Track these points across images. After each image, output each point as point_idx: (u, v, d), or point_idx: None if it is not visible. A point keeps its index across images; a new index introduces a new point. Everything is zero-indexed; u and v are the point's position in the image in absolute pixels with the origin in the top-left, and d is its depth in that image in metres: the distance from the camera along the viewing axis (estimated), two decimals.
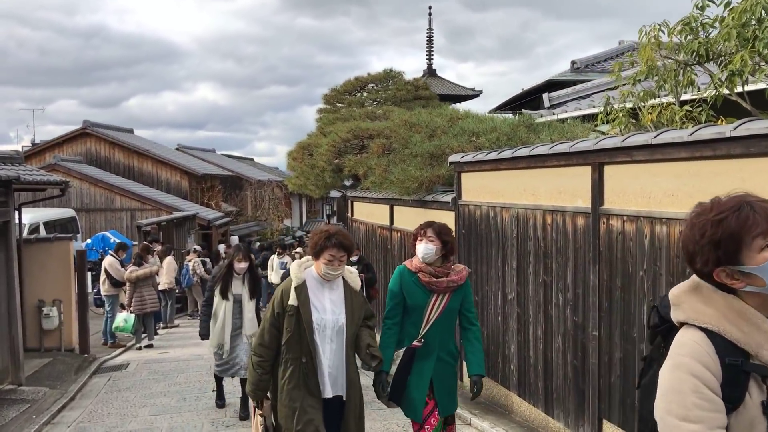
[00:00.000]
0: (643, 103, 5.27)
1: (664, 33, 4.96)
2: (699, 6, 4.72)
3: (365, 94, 21.00)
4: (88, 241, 19.59)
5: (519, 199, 5.97)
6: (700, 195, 3.47)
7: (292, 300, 3.69)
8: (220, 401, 6.88)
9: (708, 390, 1.47)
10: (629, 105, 5.69)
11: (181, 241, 19.72)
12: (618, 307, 4.60)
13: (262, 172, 41.07)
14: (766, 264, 1.48)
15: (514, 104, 15.43)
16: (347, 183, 22.85)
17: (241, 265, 6.16)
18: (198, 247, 16.18)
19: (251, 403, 4.47)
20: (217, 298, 6.21)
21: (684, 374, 1.49)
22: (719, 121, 4.70)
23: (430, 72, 27.07)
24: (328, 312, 3.75)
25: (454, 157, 7.21)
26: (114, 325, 11.06)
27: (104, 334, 11.48)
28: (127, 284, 11.10)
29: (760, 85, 4.89)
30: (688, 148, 3.87)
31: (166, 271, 13.49)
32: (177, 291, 14.38)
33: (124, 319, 11.03)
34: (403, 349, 3.97)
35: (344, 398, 3.81)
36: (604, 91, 9.79)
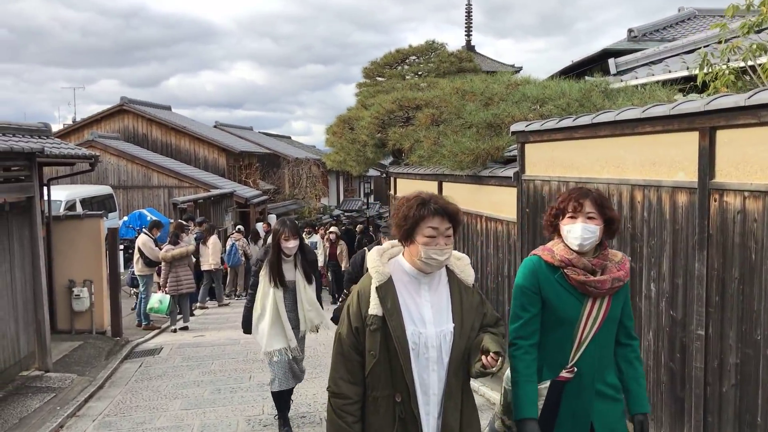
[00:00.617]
0: (756, 59, 4.36)
1: None
2: None
3: (406, 66, 20.14)
4: (125, 218, 19.31)
5: (599, 172, 5.14)
6: None
7: (374, 307, 2.47)
8: (287, 429, 5.38)
9: None
10: (734, 63, 4.78)
11: (218, 220, 19.31)
12: (734, 303, 3.78)
13: (299, 150, 40.60)
14: None
15: (566, 76, 14.42)
16: (385, 162, 22.05)
17: (289, 244, 4.97)
18: (241, 227, 15.70)
19: None
20: (263, 286, 5.05)
21: None
22: None
23: (469, 48, 26.10)
24: (429, 323, 2.50)
25: (517, 126, 6.39)
26: (148, 306, 10.61)
27: (138, 315, 11.04)
28: (162, 264, 10.62)
29: None
30: None
31: (212, 251, 13.11)
32: (223, 270, 13.96)
33: (159, 300, 10.57)
34: (545, 384, 2.70)
35: None
36: (678, 54, 8.80)
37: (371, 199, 51.29)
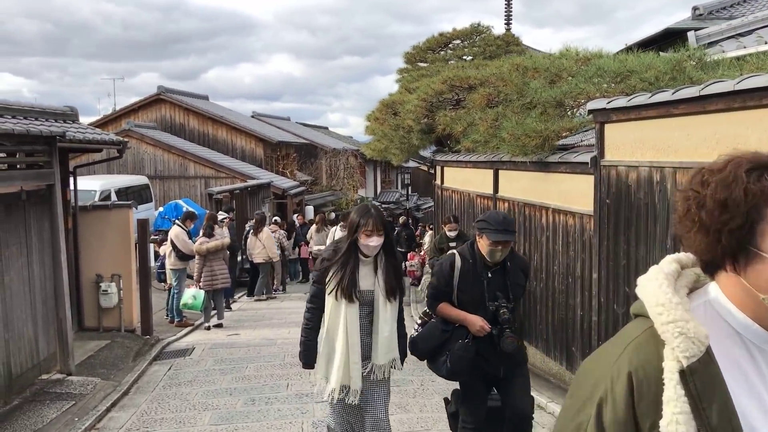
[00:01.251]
0: None
1: None
2: None
3: (449, 51, 19.22)
4: (161, 209, 18.89)
5: (707, 155, 4.23)
6: None
7: (676, 418, 1.02)
8: None
9: None
10: None
11: (255, 211, 18.73)
12: None
13: (336, 141, 39.99)
14: None
15: None
16: (424, 154, 21.08)
17: (371, 242, 3.55)
18: (278, 218, 15.03)
19: None
20: (332, 301, 3.64)
21: None
22: None
23: None
24: None
25: (595, 104, 5.49)
26: (182, 302, 10.01)
27: (170, 311, 10.47)
28: (196, 257, 10.00)
29: None
30: None
31: (266, 243, 12.67)
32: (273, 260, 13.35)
33: (192, 295, 9.95)
34: None
35: None
36: None
37: (409, 191, 50.47)
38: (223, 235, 11.99)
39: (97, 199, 15.47)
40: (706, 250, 1.09)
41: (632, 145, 5.10)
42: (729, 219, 1.04)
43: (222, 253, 10.20)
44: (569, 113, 6.14)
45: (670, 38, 10.98)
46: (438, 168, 11.15)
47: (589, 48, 7.21)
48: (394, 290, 3.68)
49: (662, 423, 1.03)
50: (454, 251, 3.99)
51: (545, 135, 6.01)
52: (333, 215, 21.18)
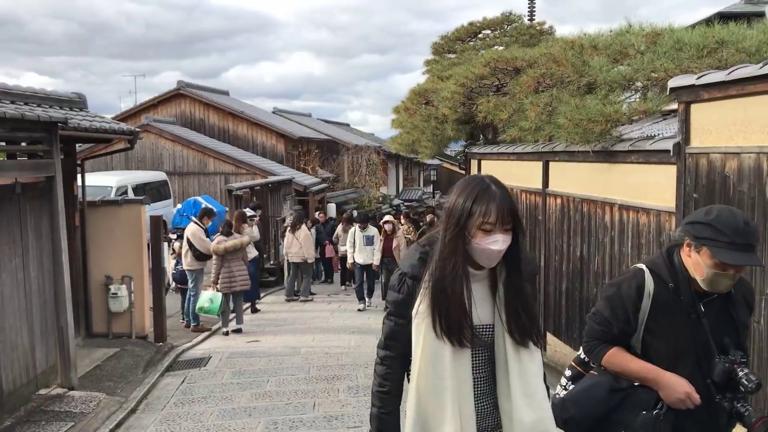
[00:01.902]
0: None
1: None
2: None
3: (479, 41, 18.33)
4: (179, 206, 18.27)
5: None
6: None
7: None
8: None
9: None
10: None
11: (276, 208, 18.02)
12: None
13: (358, 137, 39.29)
14: None
15: None
16: (453, 149, 20.10)
17: (495, 244, 1.98)
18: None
19: None
20: (425, 341, 2.02)
21: None
22: None
23: None
24: None
25: (679, 80, 4.62)
26: (197, 305, 9.30)
27: (186, 314, 9.76)
28: (214, 257, 9.29)
29: None
30: None
31: (303, 243, 12.16)
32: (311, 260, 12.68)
33: (209, 298, 9.24)
34: None
35: None
36: None
37: (429, 189, 49.58)
38: (251, 234, 11.30)
39: (113, 195, 14.88)
40: None
41: (731, 128, 4.23)
42: None
43: (241, 253, 9.47)
44: (645, 93, 5.27)
45: (721, 23, 10.08)
46: (474, 162, 10.29)
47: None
48: (527, 330, 2.06)
49: None
50: (641, 266, 2.48)
51: (613, 119, 5.15)
52: (354, 213, 19.94)
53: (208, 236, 9.74)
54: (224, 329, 9.42)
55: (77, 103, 7.76)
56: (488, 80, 8.09)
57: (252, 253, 11.12)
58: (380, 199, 33.48)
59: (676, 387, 2.27)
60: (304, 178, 22.97)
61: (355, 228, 11.60)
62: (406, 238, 12.32)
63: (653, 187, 5.12)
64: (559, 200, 6.93)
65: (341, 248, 13.84)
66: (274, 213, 16.97)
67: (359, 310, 11.27)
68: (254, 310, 11.44)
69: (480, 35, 18.66)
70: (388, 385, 2.16)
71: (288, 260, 12.61)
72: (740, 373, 2.23)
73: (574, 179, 6.55)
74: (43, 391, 5.93)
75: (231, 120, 25.39)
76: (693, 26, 7.84)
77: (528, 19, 27.16)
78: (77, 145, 8.10)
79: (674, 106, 5.17)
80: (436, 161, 48.14)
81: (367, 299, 11.58)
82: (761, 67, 3.85)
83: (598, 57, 6.05)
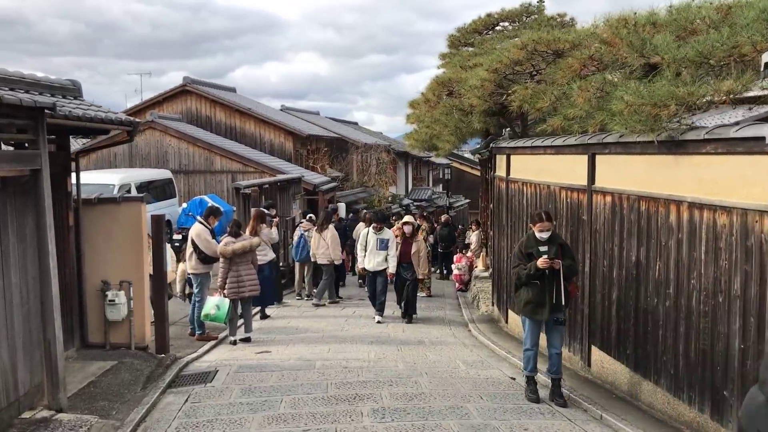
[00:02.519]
0: None
1: None
2: None
3: (497, 34, 17.58)
4: (185, 205, 17.57)
5: None
6: None
7: None
8: None
9: None
10: None
11: (285, 207, 17.28)
12: None
13: (367, 136, 38.58)
14: None
15: None
16: (460, 151, 19.20)
17: None
18: (312, 215, 13.47)
19: None
20: None
21: None
22: None
23: None
24: None
25: None
26: (203, 313, 8.58)
27: (191, 321, 9.03)
28: (221, 260, 8.57)
29: None
30: None
31: (330, 244, 11.62)
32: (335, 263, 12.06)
33: (215, 305, 8.52)
34: None
35: None
36: None
37: (439, 188, 48.76)
38: (269, 235, 10.57)
39: (116, 193, 14.16)
40: None
41: None
42: None
43: (250, 255, 8.74)
44: (718, 74, 4.51)
45: None
46: (500, 158, 9.52)
47: None
48: None
49: None
50: None
51: (688, 102, 4.39)
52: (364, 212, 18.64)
53: (214, 237, 9.02)
54: (231, 338, 8.71)
55: (71, 90, 7.05)
56: (523, 66, 7.33)
57: (268, 255, 10.41)
58: (390, 198, 32.79)
59: None
60: (313, 177, 22.27)
61: (368, 229, 10.46)
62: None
63: (737, 182, 4.35)
64: (608, 198, 6.16)
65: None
66: (283, 212, 16.23)
67: (378, 322, 10.00)
68: (264, 316, 10.72)
69: (498, 27, 17.92)
70: None
71: (315, 262, 12.05)
72: None
73: (628, 174, 5.78)
74: (26, 415, 5.21)
75: (238, 117, 24.70)
76: None
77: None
78: (82, 142, 7.44)
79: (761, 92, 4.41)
80: (445, 161, 47.47)
81: (378, 316, 10.15)
82: None
83: (659, 35, 5.29)
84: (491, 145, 10.14)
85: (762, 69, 3.99)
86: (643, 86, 5.01)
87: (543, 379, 6.16)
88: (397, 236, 10.59)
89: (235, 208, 14.95)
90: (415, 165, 43.91)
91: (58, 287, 5.40)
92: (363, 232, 10.68)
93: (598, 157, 6.34)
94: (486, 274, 13.94)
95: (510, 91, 7.36)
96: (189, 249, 8.93)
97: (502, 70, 7.33)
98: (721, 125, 4.53)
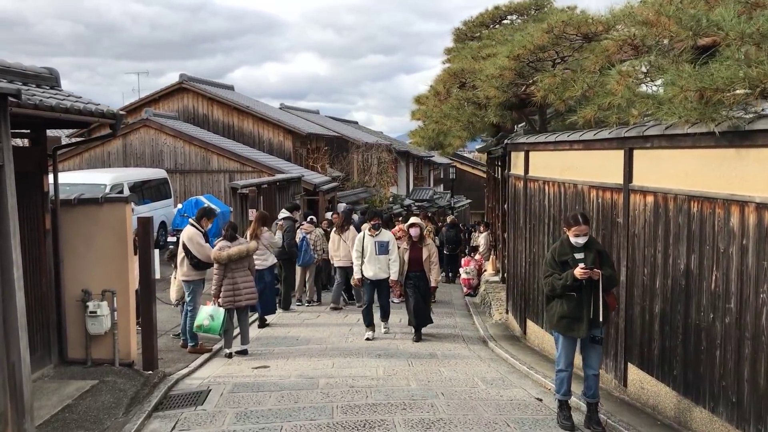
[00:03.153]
0: None
1: None
2: None
3: (505, 29, 16.89)
4: (180, 206, 16.89)
5: None
6: None
7: None
8: None
9: None
10: None
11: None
12: None
13: (368, 135, 37.94)
14: None
15: None
16: (463, 150, 18.44)
17: None
18: (313, 216, 12.74)
19: None
20: None
21: None
22: None
23: None
24: None
25: None
26: (196, 323, 7.88)
27: (183, 332, 8.34)
28: (215, 266, 7.87)
29: None
30: None
31: (352, 244, 10.75)
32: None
33: (209, 315, 7.83)
34: None
35: None
36: None
37: (440, 188, 48.16)
38: (270, 240, 9.84)
39: (108, 194, 13.46)
40: None
41: None
42: None
43: (247, 261, 8.04)
44: None
45: None
46: (517, 155, 8.83)
47: None
48: None
49: None
50: None
51: (763, 86, 3.69)
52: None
53: (207, 241, 8.32)
54: (227, 350, 8.02)
55: (47, 79, 6.36)
56: (547, 52, 6.64)
57: (269, 260, 9.69)
58: (391, 198, 32.17)
59: None
60: (313, 177, 21.59)
61: (363, 232, 9.06)
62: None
63: None
64: (650, 198, 5.46)
65: None
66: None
67: (367, 339, 8.73)
68: (262, 324, 10.03)
69: (503, 22, 17.24)
70: None
71: (334, 265, 11.50)
72: None
73: (676, 170, 5.08)
74: None
75: (236, 115, 24.03)
76: None
77: None
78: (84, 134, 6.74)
79: None
80: (446, 160, 46.85)
81: (383, 324, 9.16)
82: None
83: (717, 9, 4.61)
84: (506, 141, 9.44)
85: None
86: (699, 70, 4.31)
87: (574, 400, 5.46)
88: (399, 238, 9.76)
89: (232, 209, 14.27)
90: (416, 165, 43.35)
91: (23, 301, 4.70)
92: (358, 236, 9.30)
93: (636, 152, 5.64)
94: (496, 278, 13.25)
95: (532, 81, 6.67)
96: (180, 254, 8.23)
97: (525, 56, 6.64)
98: None
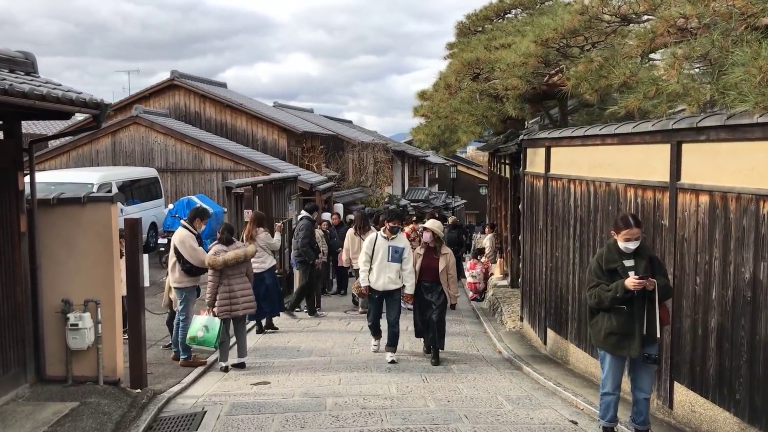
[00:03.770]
0: None
1: None
2: None
3: (509, 23, 16.29)
4: (171, 206, 16.18)
5: None
6: None
7: None
8: None
9: None
10: None
11: (281, 208, 15.89)
12: None
13: (363, 134, 37.35)
14: None
15: None
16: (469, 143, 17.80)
17: None
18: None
19: None
20: None
21: None
22: None
23: None
24: None
25: None
26: (189, 335, 7.20)
27: (174, 344, 7.66)
28: (209, 273, 7.20)
29: None
30: None
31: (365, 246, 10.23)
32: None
33: (203, 325, 7.16)
34: None
35: None
36: None
37: (435, 188, 47.63)
38: (268, 242, 9.16)
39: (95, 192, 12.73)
40: None
41: None
42: None
43: (245, 266, 7.38)
44: None
45: None
46: (536, 150, 8.20)
47: None
48: None
49: None
50: None
51: None
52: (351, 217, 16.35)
53: (201, 244, 7.64)
54: (222, 364, 7.36)
55: (21, 64, 5.68)
56: (577, 37, 6.01)
57: (267, 262, 9.03)
58: (387, 199, 31.60)
59: None
60: (309, 176, 20.93)
61: (377, 234, 7.91)
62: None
63: None
64: (704, 198, 4.84)
65: None
66: (278, 214, 14.85)
67: (392, 361, 7.47)
68: (260, 330, 9.39)
69: (508, 16, 16.65)
70: None
71: (352, 267, 11.00)
72: None
73: (738, 166, 4.46)
74: None
75: (229, 113, 23.34)
76: None
77: None
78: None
79: None
80: (441, 160, 46.31)
81: (390, 353, 7.62)
82: None
83: None
84: (521, 137, 8.81)
85: None
86: None
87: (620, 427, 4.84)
88: (412, 240, 9.08)
89: (225, 210, 13.59)
90: (411, 165, 42.82)
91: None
92: (369, 237, 8.15)
93: (685, 146, 5.02)
94: (505, 282, 12.64)
95: (557, 69, 6.05)
96: (172, 258, 7.55)
97: (555, 40, 6.02)
98: None
